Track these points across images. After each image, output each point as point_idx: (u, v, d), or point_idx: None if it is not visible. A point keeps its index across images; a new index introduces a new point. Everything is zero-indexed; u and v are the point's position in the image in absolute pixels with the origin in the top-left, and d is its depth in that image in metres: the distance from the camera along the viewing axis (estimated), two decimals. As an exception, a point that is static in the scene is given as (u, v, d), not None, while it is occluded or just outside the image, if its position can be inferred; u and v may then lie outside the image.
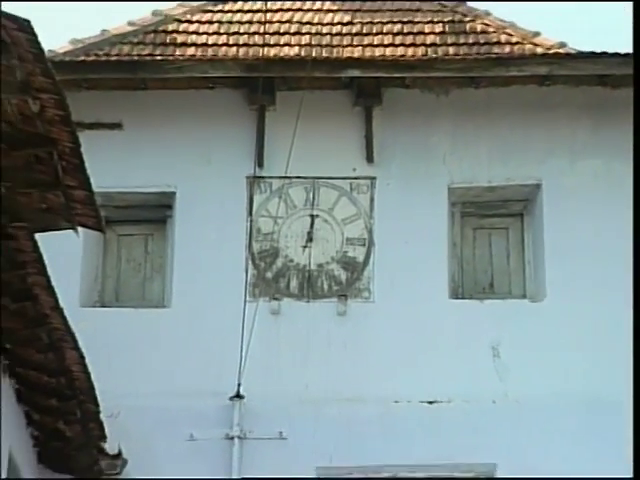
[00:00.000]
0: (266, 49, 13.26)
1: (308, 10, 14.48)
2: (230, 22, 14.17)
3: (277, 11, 14.29)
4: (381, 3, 14.51)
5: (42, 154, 7.90)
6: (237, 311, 12.20)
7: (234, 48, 13.60)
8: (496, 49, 13.55)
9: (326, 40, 13.80)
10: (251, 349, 12.14)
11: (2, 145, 7.81)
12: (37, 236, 8.89)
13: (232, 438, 12.23)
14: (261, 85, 12.83)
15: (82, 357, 10.29)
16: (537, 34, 13.75)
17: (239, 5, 14.57)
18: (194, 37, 13.88)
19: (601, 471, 11.66)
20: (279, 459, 12.15)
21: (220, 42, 13.75)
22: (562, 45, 13.46)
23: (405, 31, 13.89)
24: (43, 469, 11.99)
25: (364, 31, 13.89)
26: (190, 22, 14.18)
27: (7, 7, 6.68)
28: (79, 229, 9.08)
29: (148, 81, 13.09)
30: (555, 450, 12.08)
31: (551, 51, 13.38)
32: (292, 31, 13.92)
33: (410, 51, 13.46)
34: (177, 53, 13.49)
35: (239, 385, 12.21)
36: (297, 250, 12.97)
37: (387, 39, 13.69)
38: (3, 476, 10.68)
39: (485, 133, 13.26)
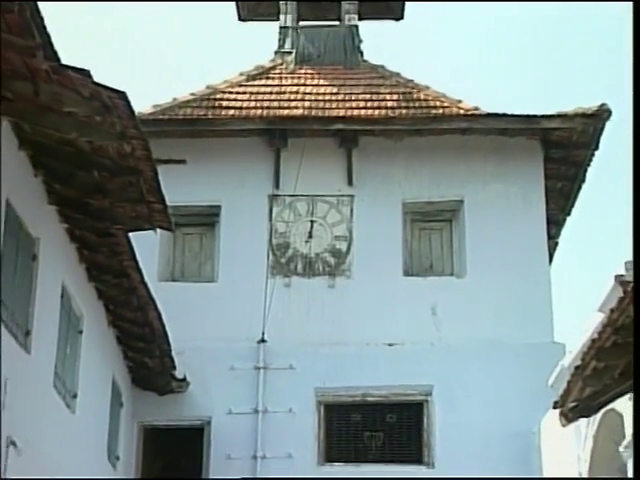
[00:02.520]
0: (280, 110, 13.68)
1: (308, 84, 14.34)
2: (257, 92, 14.18)
3: (287, 85, 14.34)
4: (357, 80, 14.44)
5: (133, 180, 8.07)
6: (261, 284, 12.63)
7: (259, 110, 13.69)
8: (433, 111, 13.67)
9: (320, 104, 13.82)
10: (271, 309, 12.47)
11: (106, 174, 8.04)
12: (130, 235, 9.21)
13: (259, 368, 12.52)
14: (277, 134, 13.28)
15: (159, 314, 10.56)
16: (460, 101, 13.86)
17: (262, 81, 14.49)
18: (233, 103, 13.95)
19: (511, 381, 11.99)
20: (290, 382, 12.42)
21: (250, 106, 13.81)
22: (476, 108, 13.56)
23: (374, 98, 13.95)
24: (134, 388, 12.33)
25: (346, 98, 13.90)
26: (230, 92, 14.21)
27: (113, 78, 6.91)
28: (157, 230, 9.33)
29: (203, 132, 13.32)
30: (471, 374, 12.24)
31: (469, 112, 13.52)
32: (298, 98, 13.96)
33: (377, 112, 13.60)
34: (222, 114, 13.62)
35: (263, 333, 12.55)
36: (301, 244, 13.17)
37: (362, 104, 13.78)
38: (109, 394, 11.14)
39: (426, 166, 13.36)
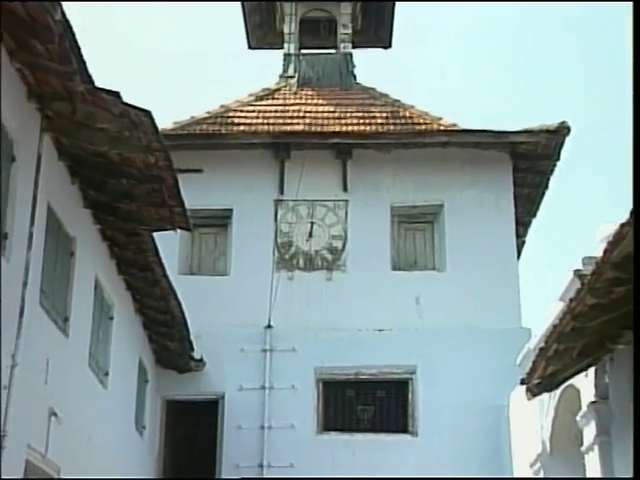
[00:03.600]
0: (284, 126, 13.62)
1: (308, 104, 14.30)
2: (264, 111, 14.15)
3: (290, 105, 14.30)
4: (351, 100, 14.37)
5: (156, 187, 8.07)
6: (268, 277, 12.54)
7: (266, 126, 13.68)
8: (417, 127, 13.63)
9: (319, 121, 13.76)
10: (276, 299, 12.37)
11: (133, 181, 8.03)
12: (154, 234, 9.22)
13: (265, 350, 12.47)
14: (282, 147, 13.24)
15: (179, 303, 10.55)
16: (440, 118, 13.82)
17: (269, 101, 14.43)
18: (243, 120, 13.90)
19: (484, 361, 11.89)
20: (292, 362, 12.37)
21: (258, 122, 13.79)
22: (454, 125, 13.55)
23: (365, 116, 13.88)
24: (158, 367, 12.32)
25: (341, 116, 13.85)
26: (241, 111, 14.16)
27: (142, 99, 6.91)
28: (177, 230, 9.39)
29: (217, 145, 13.22)
30: (450, 355, 12.17)
31: (448, 128, 13.50)
32: (299, 116, 13.90)
33: (368, 128, 13.56)
34: (234, 129, 13.56)
35: (269, 320, 12.49)
36: (303, 242, 13.10)
37: (355, 121, 13.73)
38: (136, 372, 11.10)
39: (411, 175, 13.27)
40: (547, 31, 28.62)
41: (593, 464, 8.25)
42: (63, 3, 5.70)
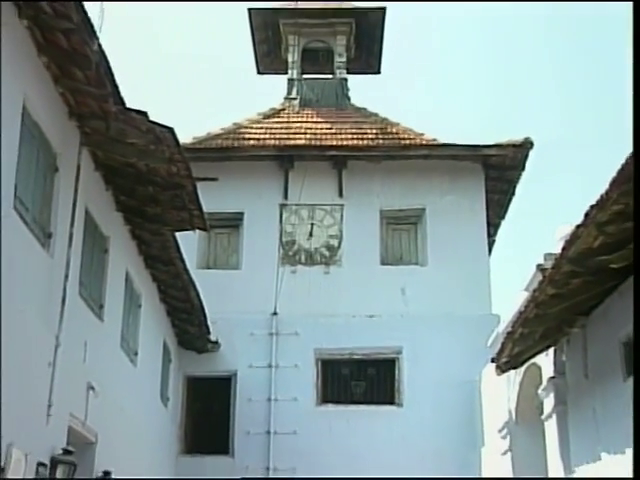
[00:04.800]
0: (288, 141, 13.57)
1: (309, 122, 14.25)
2: (270, 128, 14.06)
3: (293, 122, 14.24)
4: (345, 118, 14.27)
5: (178, 193, 7.96)
6: (274, 271, 12.52)
7: (272, 141, 13.61)
8: (402, 141, 13.58)
9: (318, 136, 13.69)
10: (281, 290, 12.35)
11: (158, 188, 7.95)
12: (176, 234, 9.13)
13: (272, 334, 12.42)
14: (286, 159, 13.20)
15: (198, 293, 10.50)
16: (422, 134, 13.79)
17: (274, 119, 14.38)
18: (252, 135, 13.83)
19: (460, 342, 11.76)
20: (295, 344, 12.32)
21: (265, 137, 13.74)
22: (434, 140, 13.52)
23: (358, 132, 13.80)
24: (180, 348, 12.27)
25: (337, 132, 13.80)
26: (251, 128, 14.09)
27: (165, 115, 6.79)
28: (196, 230, 9.23)
29: (230, 157, 13.11)
30: (430, 338, 12.18)
31: (429, 143, 13.46)
32: (301, 132, 13.85)
33: (361, 142, 13.50)
34: (244, 144, 13.49)
35: (275, 308, 12.46)
36: (304, 241, 13.04)
37: (349, 136, 13.67)
38: (161, 352, 10.95)
39: (397, 183, 13.20)
40: (519, 56, 28.76)
41: (551, 430, 8.33)
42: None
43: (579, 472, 7.61)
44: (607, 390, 6.95)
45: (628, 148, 4.95)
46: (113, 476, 7.89)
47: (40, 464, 6.09)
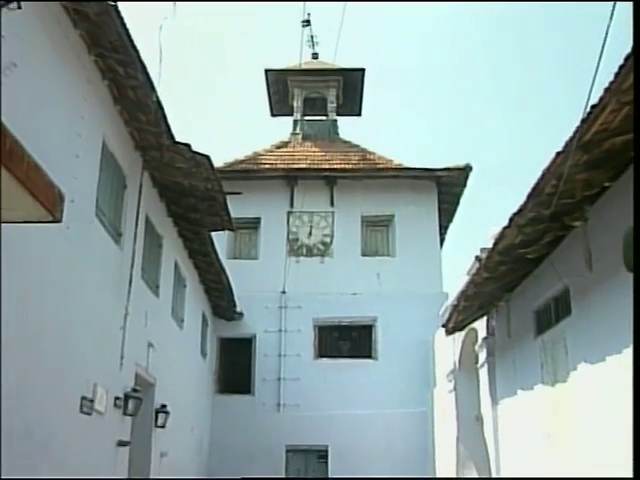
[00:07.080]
0: (293, 165, 13.39)
1: (309, 151, 14.13)
2: (280, 155, 13.94)
3: (297, 151, 14.10)
4: (335, 148, 14.07)
5: (212, 203, 7.84)
6: (282, 261, 12.37)
7: (282, 164, 13.44)
8: (377, 165, 13.45)
9: (315, 161, 13.52)
10: (289, 274, 12.18)
11: (198, 200, 7.82)
12: (211, 233, 9.08)
13: (281, 307, 12.29)
14: (292, 178, 13.05)
15: (227, 277, 10.45)
16: (392, 160, 13.65)
17: (283, 149, 14.23)
18: (267, 160, 13.66)
19: (419, 313, 11.52)
20: (299, 315, 12.16)
21: (277, 162, 13.55)
22: (401, 164, 13.31)
23: (345, 158, 13.64)
24: (214, 317, 12.10)
25: (330, 159, 13.68)
26: (266, 155, 13.94)
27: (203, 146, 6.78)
28: (226, 231, 9.11)
29: (251, 177, 12.94)
30: (397, 310, 11.93)
31: (398, 167, 13.33)
32: (303, 158, 13.72)
33: (347, 166, 13.33)
34: (261, 167, 13.32)
35: (284, 288, 12.20)
36: (305, 239, 12.92)
37: (338, 162, 13.51)
38: (200, 320, 10.67)
39: (374, 196, 12.96)
40: (470, 97, 28.59)
41: (483, 375, 8.36)
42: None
43: (502, 404, 7.69)
44: (522, 346, 7.00)
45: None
46: (168, 408, 7.95)
47: (117, 398, 6.19)
